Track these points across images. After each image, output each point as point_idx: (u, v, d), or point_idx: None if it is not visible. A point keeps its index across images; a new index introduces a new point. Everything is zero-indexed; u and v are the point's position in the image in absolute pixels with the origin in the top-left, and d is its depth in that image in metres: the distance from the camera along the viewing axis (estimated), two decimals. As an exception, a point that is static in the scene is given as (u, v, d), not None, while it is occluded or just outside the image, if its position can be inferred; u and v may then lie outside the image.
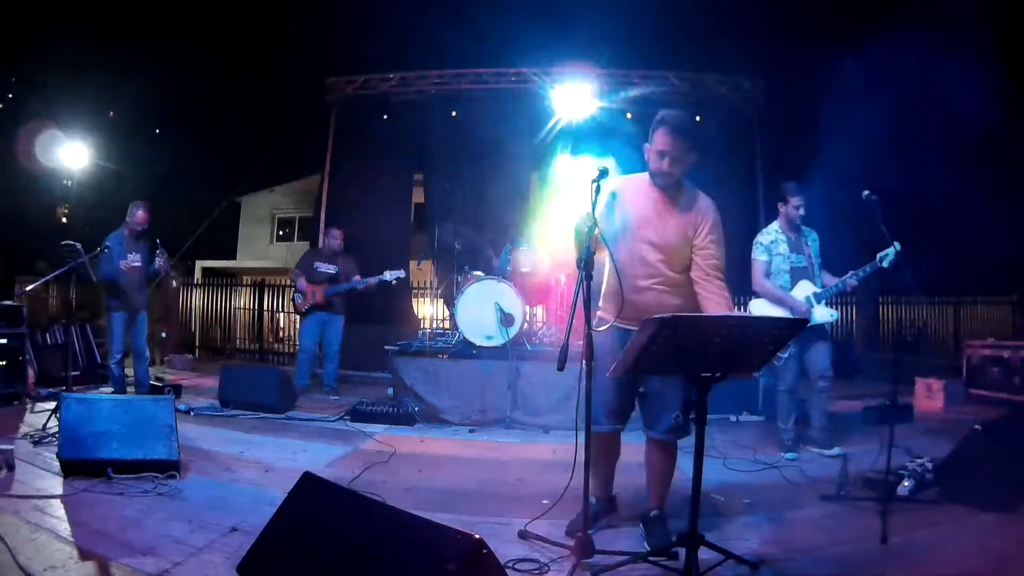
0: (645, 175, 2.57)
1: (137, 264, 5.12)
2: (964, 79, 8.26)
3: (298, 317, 6.35)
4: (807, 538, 2.59)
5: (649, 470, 2.69)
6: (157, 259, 5.14)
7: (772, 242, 4.13)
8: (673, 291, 2.50)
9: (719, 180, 7.76)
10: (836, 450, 4.03)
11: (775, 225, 4.17)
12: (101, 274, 5.04)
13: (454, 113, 8.37)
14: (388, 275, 5.91)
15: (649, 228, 2.49)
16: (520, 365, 5.01)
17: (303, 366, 6.16)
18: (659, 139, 2.44)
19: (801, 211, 4.03)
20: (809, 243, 4.14)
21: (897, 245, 3.71)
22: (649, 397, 2.58)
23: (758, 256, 4.14)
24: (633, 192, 2.55)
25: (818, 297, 4.04)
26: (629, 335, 2.21)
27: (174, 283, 5.28)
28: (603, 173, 2.29)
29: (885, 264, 3.67)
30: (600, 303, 2.66)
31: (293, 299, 6.28)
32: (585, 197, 2.32)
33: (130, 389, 5.30)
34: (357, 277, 6.03)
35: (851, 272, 3.96)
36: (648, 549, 2.46)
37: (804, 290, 4.06)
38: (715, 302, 2.41)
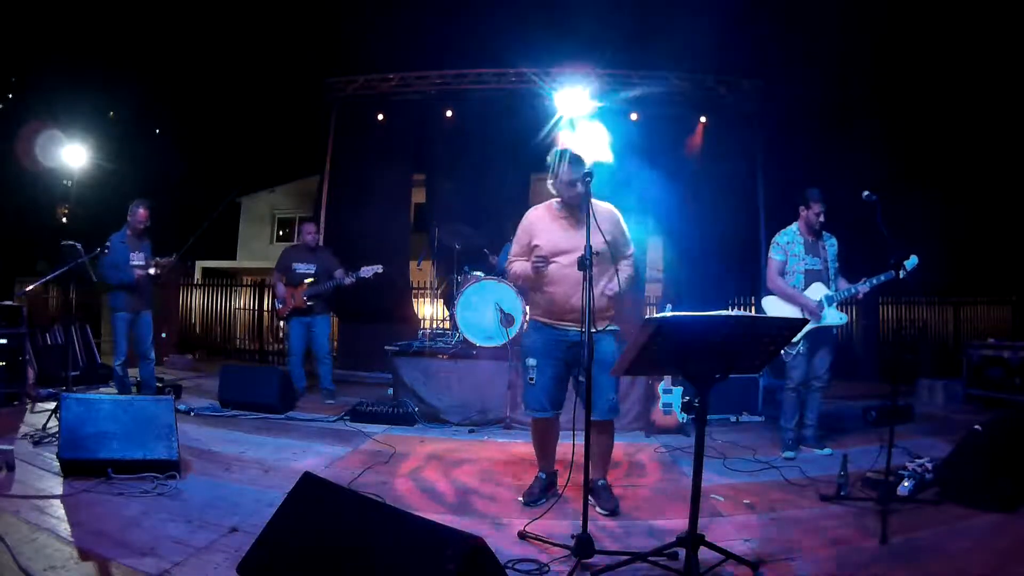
0: (549, 203, 3.05)
1: (140, 263, 5.10)
2: (964, 78, 8.27)
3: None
4: (807, 538, 2.60)
5: (592, 448, 2.95)
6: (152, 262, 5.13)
7: (788, 242, 4.18)
8: (599, 294, 2.84)
9: (719, 181, 7.79)
10: (828, 450, 4.09)
11: (794, 227, 4.22)
12: (106, 278, 5.02)
13: (453, 113, 8.36)
14: (364, 271, 5.62)
15: (570, 243, 2.86)
16: (520, 365, 5.00)
17: (296, 369, 5.93)
18: (566, 172, 2.85)
19: (821, 217, 4.09)
20: (827, 247, 4.18)
21: (915, 258, 3.75)
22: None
23: (774, 255, 4.21)
24: (547, 220, 3.00)
25: (829, 300, 4.06)
26: (559, 332, 2.96)
27: (159, 265, 5.19)
28: (590, 173, 2.60)
29: (902, 275, 3.67)
30: (530, 308, 3.15)
31: (275, 305, 6.06)
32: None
33: (132, 389, 5.29)
34: (339, 272, 5.74)
35: (865, 279, 3.98)
36: (602, 511, 2.90)
37: (817, 292, 4.09)
38: (614, 278, 2.93)
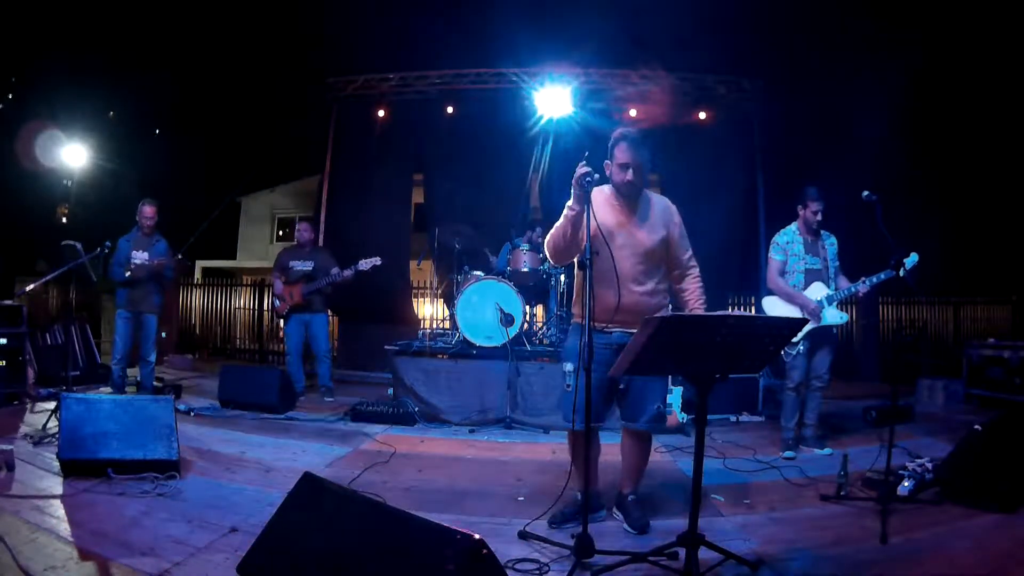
0: (607, 188, 2.74)
1: (143, 263, 5.11)
2: (964, 78, 8.27)
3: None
4: (807, 538, 2.60)
5: (628, 459, 2.84)
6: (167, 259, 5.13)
7: (788, 242, 4.18)
8: (648, 292, 2.68)
9: (720, 180, 7.79)
10: (828, 450, 4.09)
11: (793, 226, 4.23)
12: (110, 275, 5.06)
13: (453, 113, 8.36)
14: (363, 264, 5.64)
15: (623, 236, 2.64)
16: (520, 365, 5.02)
17: (294, 368, 5.94)
18: (621, 153, 2.64)
19: (819, 216, 4.09)
20: (826, 246, 4.18)
21: (915, 256, 3.74)
22: (631, 392, 2.69)
23: (774, 255, 4.21)
24: (601, 203, 2.67)
25: (830, 299, 4.06)
26: (603, 336, 2.60)
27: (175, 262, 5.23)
28: (590, 173, 2.43)
29: (902, 274, 3.66)
30: (573, 307, 2.85)
31: (273, 304, 6.14)
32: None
33: (131, 389, 5.30)
34: (335, 270, 5.77)
35: (864, 278, 3.98)
36: (631, 529, 2.70)
37: (817, 292, 4.09)
38: (695, 295, 2.78)
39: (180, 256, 5.35)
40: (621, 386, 2.68)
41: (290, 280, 5.91)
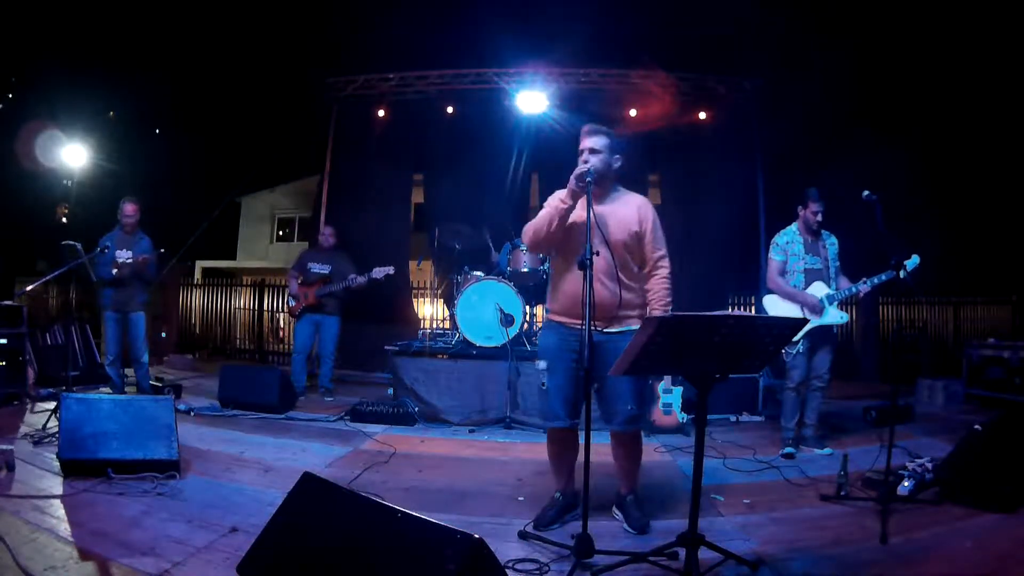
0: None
1: (127, 260, 5.11)
2: (964, 78, 8.27)
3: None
4: (807, 538, 2.60)
5: (618, 461, 2.83)
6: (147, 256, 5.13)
7: (788, 242, 4.19)
8: (622, 285, 2.63)
9: (720, 180, 7.79)
10: (828, 450, 4.09)
11: (793, 227, 4.24)
12: (96, 274, 5.07)
13: (453, 113, 8.36)
14: (376, 272, 5.78)
15: (593, 229, 2.56)
16: (520, 365, 5.02)
17: (298, 367, 6.06)
18: (581, 143, 2.67)
19: (819, 217, 4.10)
20: (827, 246, 4.19)
21: (916, 258, 3.75)
22: (604, 393, 2.68)
23: (774, 255, 4.22)
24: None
25: (830, 299, 4.06)
26: (573, 331, 2.63)
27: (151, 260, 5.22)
28: (591, 173, 2.45)
29: (903, 275, 3.66)
30: (548, 303, 2.85)
31: (288, 303, 6.25)
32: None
33: (131, 390, 5.30)
34: (352, 275, 5.90)
35: (865, 278, 3.98)
36: (631, 530, 2.69)
37: (817, 291, 4.09)
38: (658, 295, 2.68)
39: (163, 251, 5.33)
40: (596, 386, 2.67)
41: (307, 281, 6.04)
